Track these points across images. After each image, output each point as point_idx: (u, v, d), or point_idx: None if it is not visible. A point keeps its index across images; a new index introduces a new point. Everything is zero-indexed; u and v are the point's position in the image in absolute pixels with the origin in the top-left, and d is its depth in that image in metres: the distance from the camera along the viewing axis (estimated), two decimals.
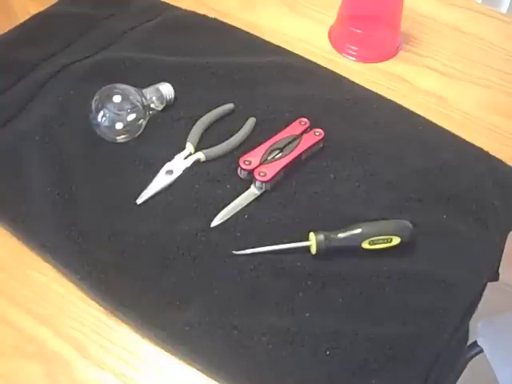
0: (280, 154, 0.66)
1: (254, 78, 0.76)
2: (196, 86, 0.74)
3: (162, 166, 0.65)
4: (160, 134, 0.69)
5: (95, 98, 0.66)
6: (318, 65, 0.79)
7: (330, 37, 0.86)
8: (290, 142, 0.67)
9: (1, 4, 0.86)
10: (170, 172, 0.65)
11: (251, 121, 0.70)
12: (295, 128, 0.69)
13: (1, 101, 0.71)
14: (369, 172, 0.67)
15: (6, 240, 0.61)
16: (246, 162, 0.65)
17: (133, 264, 0.58)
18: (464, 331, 0.55)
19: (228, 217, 0.62)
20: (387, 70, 0.82)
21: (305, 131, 0.69)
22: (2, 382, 0.53)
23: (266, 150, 0.66)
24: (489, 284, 0.58)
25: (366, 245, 0.59)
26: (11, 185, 0.64)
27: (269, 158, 0.66)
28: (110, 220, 0.61)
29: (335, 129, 0.70)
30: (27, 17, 0.81)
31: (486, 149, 0.70)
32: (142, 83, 0.70)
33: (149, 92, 0.70)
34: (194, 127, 0.69)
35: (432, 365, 0.53)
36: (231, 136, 0.68)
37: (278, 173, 0.64)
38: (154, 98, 0.70)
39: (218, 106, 0.71)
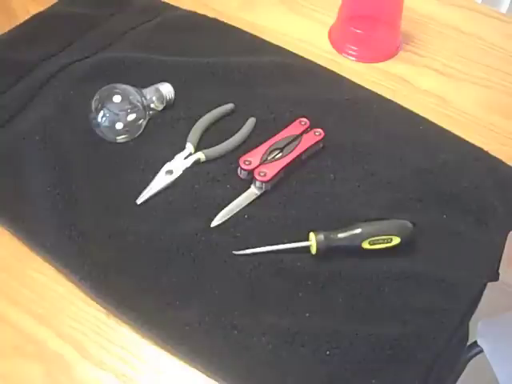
0: (280, 154, 0.66)
1: (253, 78, 0.76)
2: (196, 86, 0.74)
3: (162, 165, 0.65)
4: (160, 134, 0.69)
5: (95, 97, 0.66)
6: (318, 65, 0.79)
7: (330, 37, 0.86)
8: (290, 142, 0.67)
9: (1, 4, 0.86)
10: (169, 172, 0.65)
11: (251, 121, 0.70)
12: (295, 128, 0.69)
13: (1, 101, 0.71)
14: (369, 172, 0.67)
15: (6, 240, 0.61)
16: (246, 162, 0.65)
17: (133, 264, 0.58)
18: (464, 331, 0.55)
19: (228, 217, 0.62)
20: (387, 70, 0.81)
21: (305, 131, 0.69)
22: (2, 382, 0.53)
23: (266, 150, 0.66)
24: (489, 284, 0.58)
25: (366, 245, 0.59)
26: (11, 185, 0.64)
27: (269, 157, 0.66)
28: (109, 220, 0.61)
29: (335, 129, 0.70)
30: (27, 17, 0.81)
31: (485, 149, 0.70)
32: (142, 83, 0.70)
33: (149, 92, 0.70)
34: (194, 127, 0.69)
35: (432, 365, 0.53)
36: (231, 136, 0.68)
37: (278, 173, 0.64)
38: (154, 98, 0.70)
39: (218, 106, 0.71)
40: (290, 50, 0.81)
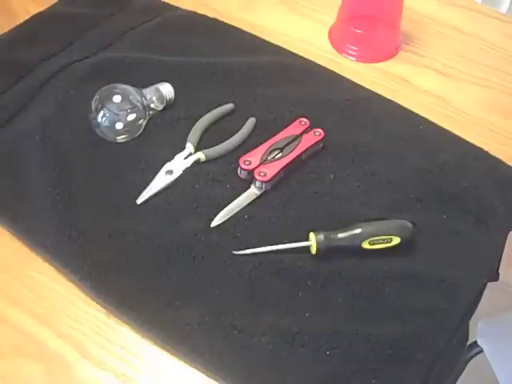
0: (280, 154, 0.66)
1: (253, 78, 0.76)
2: (196, 86, 0.74)
3: (162, 165, 0.65)
4: (160, 134, 0.69)
5: (95, 97, 0.66)
6: (318, 65, 0.79)
7: (330, 37, 0.86)
8: (289, 142, 0.67)
9: (1, 4, 0.86)
10: (169, 172, 0.65)
11: (251, 121, 0.70)
12: (295, 128, 0.69)
13: (1, 101, 0.70)
14: (369, 172, 0.67)
15: (6, 240, 0.61)
16: (246, 162, 0.65)
17: (133, 264, 0.58)
18: (464, 331, 0.55)
19: (228, 217, 0.62)
20: (387, 70, 0.81)
21: (305, 131, 0.69)
22: (2, 382, 0.53)
23: (266, 150, 0.66)
24: (489, 284, 0.58)
25: (366, 245, 0.59)
26: (11, 185, 0.64)
27: (269, 157, 0.66)
28: (109, 220, 0.61)
29: (335, 129, 0.70)
30: (27, 17, 0.81)
31: (485, 149, 0.70)
32: (142, 83, 0.70)
33: (149, 92, 0.70)
34: (194, 127, 0.69)
35: (432, 365, 0.53)
36: (231, 136, 0.68)
37: (278, 173, 0.64)
38: (154, 98, 0.70)
39: (218, 106, 0.71)
40: (290, 50, 0.81)
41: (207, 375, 0.53)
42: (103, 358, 0.54)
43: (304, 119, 0.69)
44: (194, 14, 0.85)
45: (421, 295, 0.57)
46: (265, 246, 0.59)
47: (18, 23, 0.81)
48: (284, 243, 0.59)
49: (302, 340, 0.54)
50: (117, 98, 0.66)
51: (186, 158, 0.66)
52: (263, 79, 0.76)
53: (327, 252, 0.59)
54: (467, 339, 0.54)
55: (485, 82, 0.81)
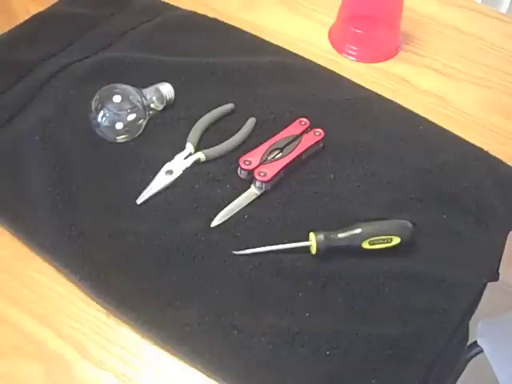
0: (280, 154, 0.66)
1: (253, 78, 0.76)
2: (196, 86, 0.74)
3: (162, 165, 0.65)
4: (160, 134, 0.69)
5: (95, 97, 0.66)
6: (318, 65, 0.79)
7: (330, 37, 0.86)
8: (289, 142, 0.67)
9: (1, 4, 0.86)
10: (169, 172, 0.65)
11: (251, 121, 0.70)
12: (295, 128, 0.69)
13: (1, 101, 0.70)
14: (369, 172, 0.67)
15: (6, 240, 0.61)
16: (246, 162, 0.65)
17: (133, 264, 0.58)
18: (464, 331, 0.55)
19: (228, 217, 0.62)
20: (387, 70, 0.81)
21: (305, 131, 0.69)
22: (2, 382, 0.53)
23: (266, 150, 0.66)
24: (489, 284, 0.58)
25: (366, 245, 0.59)
26: (11, 185, 0.64)
27: (269, 157, 0.66)
28: (109, 220, 0.61)
29: (335, 129, 0.70)
30: (27, 17, 0.81)
31: (485, 149, 0.70)
32: (142, 83, 0.70)
33: (149, 92, 0.70)
34: (194, 127, 0.69)
35: (432, 365, 0.53)
36: (231, 136, 0.68)
37: (278, 173, 0.64)
38: (154, 98, 0.70)
39: (218, 106, 0.71)
40: (290, 49, 0.81)
41: (207, 375, 0.53)
42: (103, 358, 0.54)
43: (304, 119, 0.69)
44: (194, 14, 0.85)
45: (421, 295, 0.57)
46: (265, 246, 0.59)
47: (18, 23, 0.81)
48: (284, 243, 0.59)
49: (302, 340, 0.54)
50: (117, 98, 0.66)
51: (186, 158, 0.66)
52: (263, 79, 0.76)
53: (327, 252, 0.59)
54: (467, 339, 0.54)
55: (485, 82, 0.81)
